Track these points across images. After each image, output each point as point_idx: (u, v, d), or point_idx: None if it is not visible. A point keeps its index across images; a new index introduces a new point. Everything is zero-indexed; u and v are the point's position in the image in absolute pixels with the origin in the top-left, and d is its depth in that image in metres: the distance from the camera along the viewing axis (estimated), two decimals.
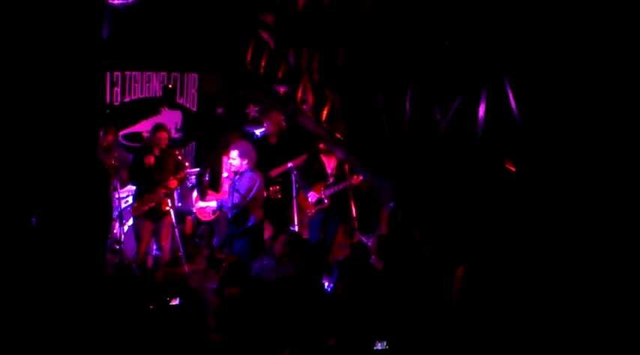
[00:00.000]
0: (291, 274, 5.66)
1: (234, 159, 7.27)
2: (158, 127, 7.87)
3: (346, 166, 7.80)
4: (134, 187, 7.89)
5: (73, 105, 5.45)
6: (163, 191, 7.62)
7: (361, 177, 7.76)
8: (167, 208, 7.70)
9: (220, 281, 5.62)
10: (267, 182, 7.96)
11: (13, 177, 5.29)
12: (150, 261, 7.88)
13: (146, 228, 7.68)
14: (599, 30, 4.58)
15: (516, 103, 5.06)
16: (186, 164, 7.88)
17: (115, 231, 7.93)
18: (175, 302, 4.73)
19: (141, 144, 8.56)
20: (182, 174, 7.76)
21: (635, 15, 4.39)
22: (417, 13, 6.18)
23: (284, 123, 8.65)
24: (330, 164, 8.05)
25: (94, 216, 5.65)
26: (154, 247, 7.90)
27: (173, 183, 7.67)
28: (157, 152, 7.67)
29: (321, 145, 8.02)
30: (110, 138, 7.91)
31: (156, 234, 7.76)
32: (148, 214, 7.62)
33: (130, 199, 7.96)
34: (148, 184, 7.60)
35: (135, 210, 7.65)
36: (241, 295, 4.96)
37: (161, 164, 7.67)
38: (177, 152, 7.86)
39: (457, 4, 5.71)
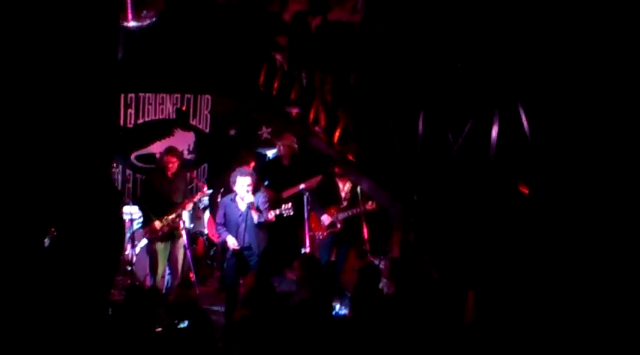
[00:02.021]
0: (305, 297, 5.62)
1: (250, 185, 6.92)
2: (167, 151, 7.89)
3: (359, 190, 7.78)
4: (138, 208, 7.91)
5: (88, 127, 5.48)
6: (179, 213, 7.62)
7: (374, 204, 7.71)
8: (181, 230, 7.69)
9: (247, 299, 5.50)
10: (280, 201, 7.93)
11: (25, 197, 5.30)
12: (162, 283, 7.88)
13: (160, 251, 7.69)
14: (611, 53, 4.56)
15: (529, 125, 5.03)
16: (205, 187, 7.90)
17: (126, 253, 7.94)
18: (184, 324, 4.71)
19: (154, 166, 8.59)
20: (198, 196, 7.78)
21: None
22: (430, 36, 6.19)
23: (296, 145, 8.65)
24: (344, 187, 8.04)
25: (106, 237, 5.64)
26: (167, 270, 7.90)
27: (187, 205, 7.69)
28: (170, 175, 7.69)
29: (337, 168, 8.01)
30: None
31: (170, 256, 7.77)
32: (163, 237, 7.63)
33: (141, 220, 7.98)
34: (161, 207, 7.61)
35: (149, 233, 7.66)
36: (253, 317, 4.93)
37: (174, 187, 7.68)
38: (193, 175, 7.87)
39: (470, 27, 5.72)
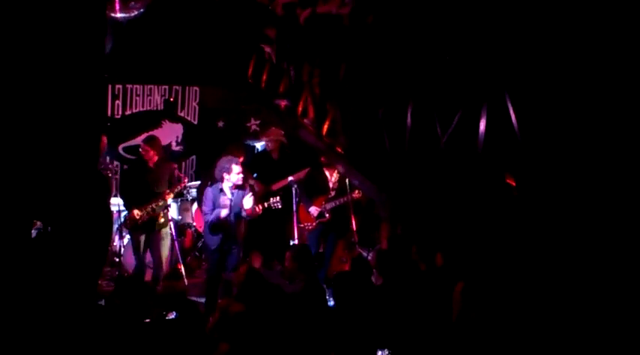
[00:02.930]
0: (297, 289, 5.63)
1: (238, 173, 7.05)
2: (144, 140, 7.87)
3: (347, 180, 7.81)
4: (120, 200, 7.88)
5: (75, 118, 5.45)
6: (159, 203, 7.59)
7: (361, 192, 7.76)
8: (161, 220, 7.65)
9: (240, 290, 5.50)
10: (268, 194, 7.95)
11: (12, 188, 5.27)
12: (148, 274, 7.87)
13: (140, 241, 7.67)
14: (599, 45, 4.60)
15: (517, 117, 5.06)
16: (186, 179, 7.85)
17: (114, 244, 7.93)
18: (172, 315, 4.71)
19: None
20: (178, 188, 7.73)
21: (634, 31, 4.41)
22: (419, 28, 6.20)
23: (284, 138, 8.66)
24: (332, 178, 8.07)
25: (94, 228, 5.61)
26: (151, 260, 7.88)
27: (168, 196, 7.64)
28: (151, 165, 7.66)
29: (323, 159, 8.03)
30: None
31: (151, 247, 7.74)
32: (142, 227, 7.60)
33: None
34: (141, 196, 7.59)
35: (129, 222, 7.64)
36: (248, 310, 4.93)
37: (155, 177, 7.65)
38: (174, 165, 7.82)
39: (458, 20, 5.74)
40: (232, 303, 5.01)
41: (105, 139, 7.90)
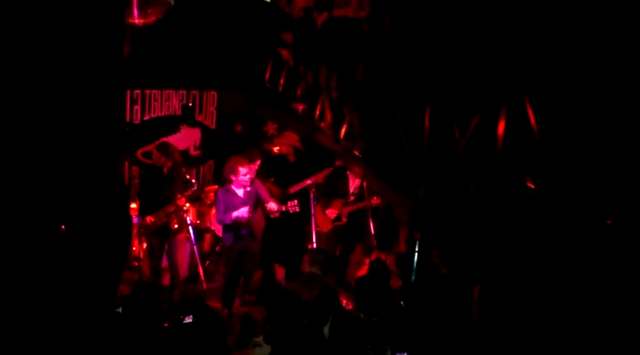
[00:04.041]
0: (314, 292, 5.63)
1: (245, 175, 7.22)
2: (155, 147, 7.95)
3: (365, 186, 7.81)
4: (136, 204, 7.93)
5: (94, 123, 5.49)
6: (172, 208, 7.63)
7: (379, 199, 7.75)
8: (175, 226, 7.69)
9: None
10: (286, 197, 7.97)
11: (34, 194, 5.33)
12: (167, 279, 7.90)
13: (156, 246, 7.72)
14: (619, 47, 4.55)
15: (536, 120, 5.02)
16: (193, 181, 7.87)
17: (134, 249, 7.97)
18: (189, 319, 4.72)
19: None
20: (189, 192, 7.75)
21: None
22: (437, 30, 6.18)
23: (298, 143, 8.65)
24: (353, 183, 8.08)
25: (114, 233, 5.66)
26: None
27: (181, 200, 7.66)
28: (165, 170, 7.71)
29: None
30: None
31: (168, 251, 7.79)
32: (157, 232, 7.65)
33: None
34: (156, 201, 7.63)
35: (144, 228, 7.68)
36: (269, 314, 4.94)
37: (169, 183, 7.69)
38: (184, 169, 7.85)
39: (476, 22, 5.71)
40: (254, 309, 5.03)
41: None
